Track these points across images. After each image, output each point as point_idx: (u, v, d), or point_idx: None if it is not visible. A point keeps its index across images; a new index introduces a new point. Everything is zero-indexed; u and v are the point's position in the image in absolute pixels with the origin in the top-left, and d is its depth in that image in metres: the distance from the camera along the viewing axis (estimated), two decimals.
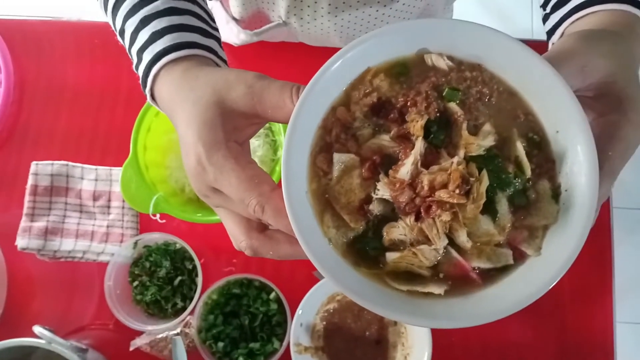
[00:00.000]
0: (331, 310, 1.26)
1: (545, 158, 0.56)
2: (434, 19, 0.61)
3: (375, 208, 0.54)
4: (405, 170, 0.52)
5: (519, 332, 1.30)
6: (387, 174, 0.54)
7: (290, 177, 0.53)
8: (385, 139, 0.55)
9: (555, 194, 0.55)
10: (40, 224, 1.33)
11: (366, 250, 0.55)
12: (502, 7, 2.83)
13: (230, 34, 1.32)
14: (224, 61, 0.73)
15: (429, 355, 1.17)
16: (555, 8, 0.75)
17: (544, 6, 0.79)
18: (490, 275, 0.55)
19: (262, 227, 0.60)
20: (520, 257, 0.55)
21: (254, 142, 1.26)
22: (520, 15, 2.81)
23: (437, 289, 0.53)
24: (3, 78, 1.36)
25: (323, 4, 1.08)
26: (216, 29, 0.76)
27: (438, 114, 0.54)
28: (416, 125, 0.53)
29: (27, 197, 1.34)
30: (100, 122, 1.40)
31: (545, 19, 0.78)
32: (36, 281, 1.34)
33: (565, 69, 0.55)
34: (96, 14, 0.90)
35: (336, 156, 0.55)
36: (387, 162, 0.54)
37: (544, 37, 0.81)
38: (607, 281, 1.32)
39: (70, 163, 1.36)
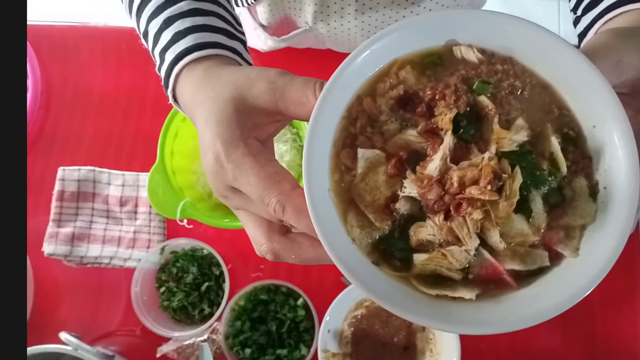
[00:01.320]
0: (359, 317, 1.26)
1: (581, 154, 0.53)
2: (463, 10, 0.58)
3: (401, 207, 0.52)
4: (433, 166, 0.50)
5: (548, 338, 1.28)
6: (414, 171, 0.51)
7: (311, 174, 0.50)
8: (412, 134, 0.52)
9: (593, 192, 0.52)
10: (67, 229, 1.34)
11: (392, 251, 0.52)
12: (529, 12, 2.79)
13: (258, 40, 1.32)
14: (249, 64, 0.71)
15: None
16: (586, 10, 0.73)
17: (574, 10, 0.77)
18: (524, 278, 0.52)
19: (284, 230, 0.58)
20: (556, 259, 0.52)
21: (282, 147, 1.26)
22: (547, 20, 2.77)
23: (468, 294, 0.51)
24: (30, 84, 1.37)
25: (349, 9, 1.07)
26: (242, 32, 0.74)
27: (468, 108, 0.52)
28: (444, 118, 0.50)
29: (53, 203, 1.35)
30: (127, 128, 1.41)
31: (576, 21, 0.76)
32: (63, 287, 1.35)
33: (599, 65, 0.52)
34: (123, 19, 0.90)
35: (360, 152, 0.52)
36: (415, 159, 0.52)
37: (572, 42, 0.78)
38: (636, 287, 1.29)
39: (97, 168, 1.37)
